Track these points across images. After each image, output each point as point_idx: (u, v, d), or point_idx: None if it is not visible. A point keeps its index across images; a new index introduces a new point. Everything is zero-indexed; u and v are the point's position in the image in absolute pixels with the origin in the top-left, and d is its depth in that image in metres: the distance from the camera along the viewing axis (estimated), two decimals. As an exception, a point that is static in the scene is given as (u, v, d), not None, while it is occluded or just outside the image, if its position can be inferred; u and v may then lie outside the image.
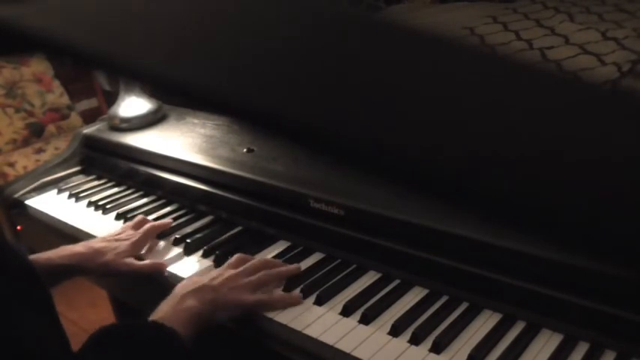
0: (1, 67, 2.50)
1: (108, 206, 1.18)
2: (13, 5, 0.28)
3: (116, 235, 1.00)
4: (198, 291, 0.80)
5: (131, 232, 1.00)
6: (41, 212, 1.22)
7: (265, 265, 0.88)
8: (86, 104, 2.91)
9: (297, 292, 0.85)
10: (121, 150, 1.29)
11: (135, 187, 1.24)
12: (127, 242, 0.96)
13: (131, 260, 0.94)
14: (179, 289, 0.81)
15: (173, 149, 1.21)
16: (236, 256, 0.90)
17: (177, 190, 1.16)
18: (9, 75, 2.51)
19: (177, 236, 1.03)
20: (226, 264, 0.88)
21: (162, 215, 1.12)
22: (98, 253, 0.93)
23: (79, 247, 0.94)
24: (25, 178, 1.31)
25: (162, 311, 0.77)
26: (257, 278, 0.84)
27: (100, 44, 0.24)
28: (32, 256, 0.89)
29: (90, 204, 1.20)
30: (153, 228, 1.02)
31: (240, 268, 0.85)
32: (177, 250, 1.00)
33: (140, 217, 1.06)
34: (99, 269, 0.93)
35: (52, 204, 1.23)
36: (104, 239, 0.98)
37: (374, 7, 1.59)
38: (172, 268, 0.95)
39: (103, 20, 0.26)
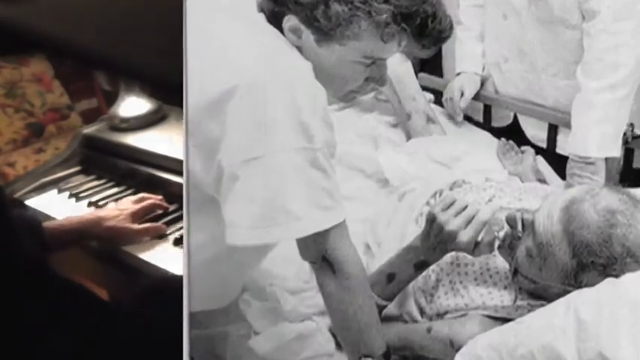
0: (1, 67, 2.49)
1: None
2: (13, 5, 0.28)
3: (118, 207, 1.12)
4: None
5: (131, 204, 1.12)
6: (41, 212, 1.21)
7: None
8: (86, 104, 2.90)
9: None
10: (121, 150, 1.29)
11: (135, 187, 1.24)
12: (128, 211, 1.09)
13: (131, 224, 1.07)
14: None
15: (173, 149, 1.20)
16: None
17: (177, 190, 1.16)
18: (9, 75, 2.50)
19: (177, 236, 1.03)
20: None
21: (162, 215, 1.12)
22: (102, 219, 1.07)
23: (86, 215, 1.09)
24: (25, 178, 1.31)
25: None
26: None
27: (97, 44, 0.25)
28: (46, 223, 1.03)
29: (90, 204, 1.20)
30: (152, 203, 1.14)
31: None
32: (178, 250, 1.00)
33: (141, 194, 1.16)
34: (104, 233, 1.05)
35: (52, 204, 1.23)
36: (108, 209, 1.13)
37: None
38: (172, 268, 0.95)
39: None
